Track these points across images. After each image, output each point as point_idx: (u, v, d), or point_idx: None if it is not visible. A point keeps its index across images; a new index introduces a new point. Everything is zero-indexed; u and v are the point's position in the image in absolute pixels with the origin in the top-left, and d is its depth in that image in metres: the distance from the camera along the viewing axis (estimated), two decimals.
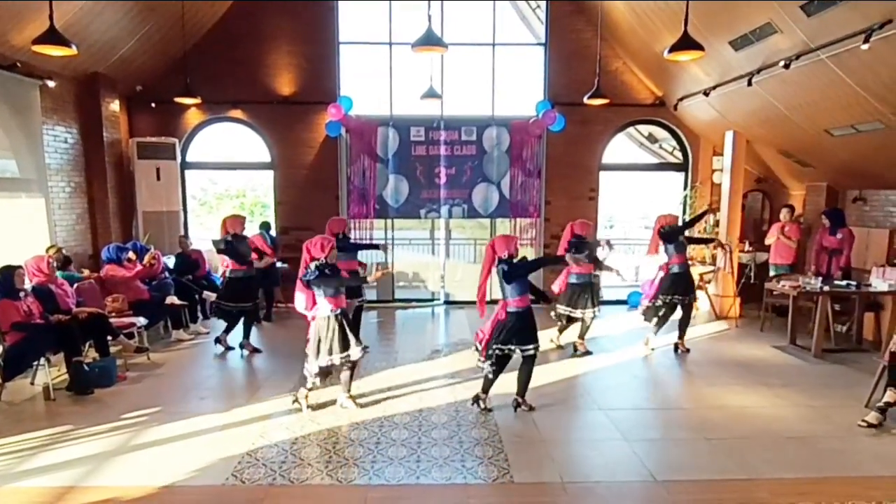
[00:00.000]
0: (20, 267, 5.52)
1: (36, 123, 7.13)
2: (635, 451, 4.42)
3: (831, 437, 4.61)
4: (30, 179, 7.09)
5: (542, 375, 6.06)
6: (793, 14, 5.55)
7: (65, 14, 6.18)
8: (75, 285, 6.40)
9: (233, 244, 6.59)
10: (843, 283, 6.97)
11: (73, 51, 5.37)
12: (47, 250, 6.87)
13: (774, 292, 7.64)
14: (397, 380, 5.94)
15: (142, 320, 6.56)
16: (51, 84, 7.19)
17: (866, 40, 4.94)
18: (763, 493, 3.75)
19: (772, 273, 8.19)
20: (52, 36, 5.14)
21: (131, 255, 7.31)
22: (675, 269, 6.75)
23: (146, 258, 7.26)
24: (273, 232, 8.93)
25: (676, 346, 6.94)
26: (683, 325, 6.92)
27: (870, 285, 6.86)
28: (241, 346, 6.85)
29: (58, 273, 6.37)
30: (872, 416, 4.73)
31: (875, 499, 3.67)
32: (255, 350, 6.88)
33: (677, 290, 6.73)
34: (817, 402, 5.32)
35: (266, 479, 3.93)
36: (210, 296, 8.17)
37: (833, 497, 3.69)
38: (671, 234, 6.72)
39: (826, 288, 6.78)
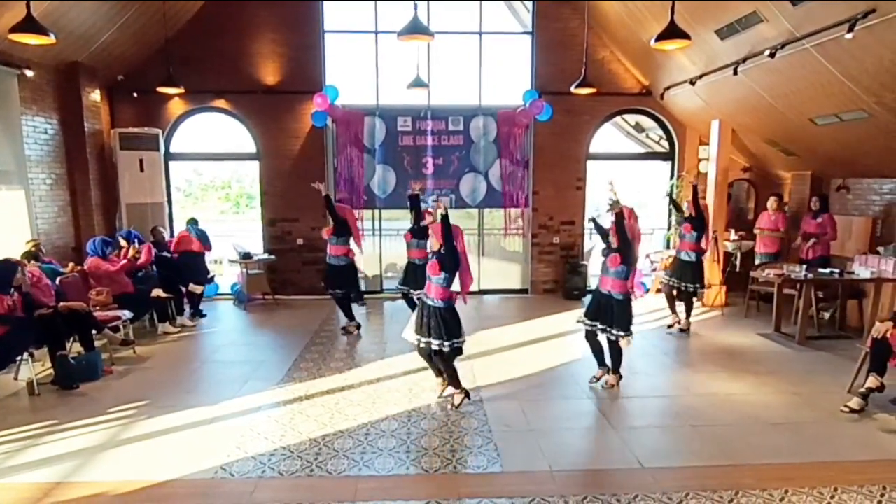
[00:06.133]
0: (23, 263, 5.45)
1: (14, 114, 6.99)
2: (623, 438, 4.46)
3: (815, 422, 4.68)
4: (9, 171, 6.96)
5: (530, 364, 6.11)
6: (778, 3, 5.56)
7: (42, 2, 6.04)
8: (58, 279, 6.31)
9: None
10: (827, 270, 7.06)
11: (51, 39, 5.27)
12: (28, 244, 6.79)
13: (759, 280, 7.73)
14: (387, 370, 5.94)
15: (127, 314, 6.49)
16: (29, 74, 7.04)
17: (850, 30, 4.97)
18: (748, 479, 3.80)
19: (757, 261, 8.29)
20: (29, 24, 5.04)
21: (123, 242, 7.25)
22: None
23: (130, 252, 7.17)
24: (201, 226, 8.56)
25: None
26: None
27: (852, 273, 6.96)
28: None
29: (39, 266, 6.29)
30: (855, 402, 4.81)
31: (858, 483, 3.74)
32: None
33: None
34: (801, 389, 5.40)
35: (255, 471, 3.92)
36: (196, 288, 8.10)
37: (817, 482, 3.75)
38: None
39: (810, 276, 6.87)
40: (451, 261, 4.74)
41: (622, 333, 5.17)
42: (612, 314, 5.20)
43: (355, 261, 7.34)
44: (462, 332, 4.90)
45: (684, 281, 7.10)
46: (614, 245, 5.18)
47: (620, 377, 5.45)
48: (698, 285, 7.11)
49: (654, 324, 7.70)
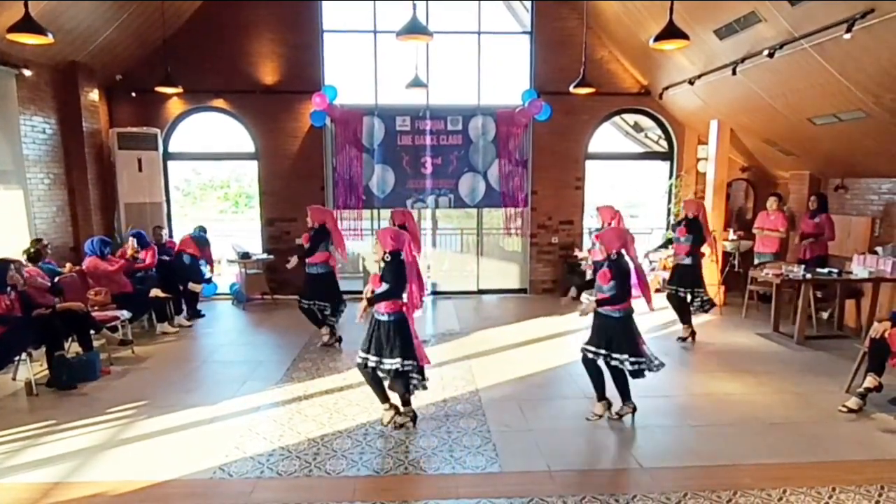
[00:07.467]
0: (16, 262, 5.43)
1: (12, 113, 6.97)
2: (621, 438, 4.47)
3: (814, 422, 4.69)
4: (7, 171, 6.95)
5: (528, 364, 6.11)
6: (777, 3, 5.56)
7: (41, 1, 6.03)
8: (56, 279, 6.30)
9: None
10: (825, 270, 7.07)
11: (49, 39, 5.26)
12: (32, 243, 6.78)
13: (758, 280, 7.74)
14: None
15: (125, 313, 6.48)
16: (27, 73, 7.03)
17: (849, 30, 4.97)
18: (747, 478, 3.81)
19: (756, 261, 8.29)
20: (27, 24, 5.03)
21: (133, 242, 7.33)
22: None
23: (129, 252, 7.18)
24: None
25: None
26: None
27: (850, 272, 6.97)
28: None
29: (40, 265, 6.29)
30: (853, 402, 4.82)
31: (856, 483, 3.74)
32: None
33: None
34: (800, 389, 5.40)
35: (254, 472, 3.91)
36: (195, 287, 8.08)
37: (815, 482, 3.76)
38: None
39: (808, 276, 6.88)
40: (393, 272, 4.28)
41: (629, 358, 4.49)
42: (614, 337, 4.55)
43: (336, 269, 6.67)
44: (412, 354, 4.37)
45: (683, 287, 6.80)
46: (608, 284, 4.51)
47: (635, 408, 4.72)
48: (691, 290, 6.76)
49: (652, 324, 7.68)
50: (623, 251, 4.55)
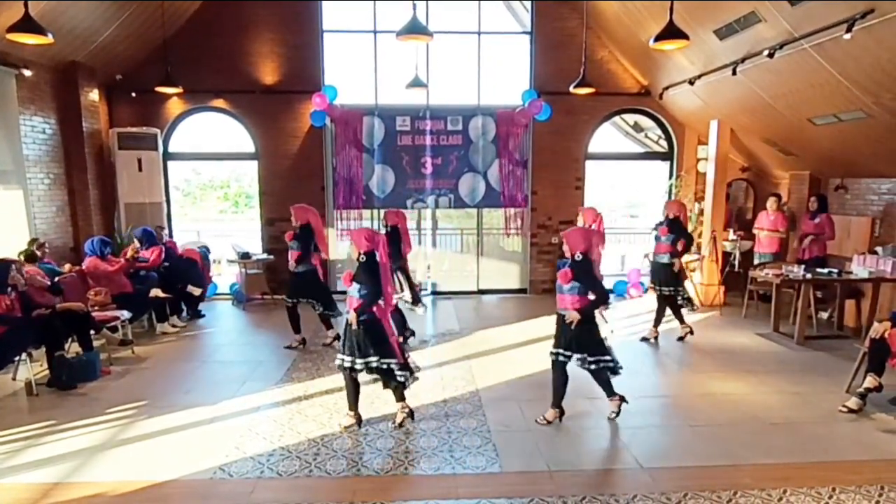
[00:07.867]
0: (16, 262, 5.42)
1: (12, 113, 6.97)
2: (621, 438, 4.47)
3: (813, 422, 4.69)
4: (7, 171, 6.95)
5: (528, 364, 6.11)
6: (777, 3, 5.56)
7: (40, 1, 6.03)
8: (56, 279, 6.30)
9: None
10: (825, 270, 7.08)
11: (48, 39, 5.27)
12: (30, 244, 6.78)
13: (758, 280, 7.74)
14: None
15: (125, 314, 6.48)
16: (27, 73, 7.03)
17: (849, 30, 4.97)
18: (746, 478, 3.81)
19: (756, 261, 8.29)
20: (27, 24, 5.03)
21: (136, 243, 7.43)
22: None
23: (129, 252, 7.19)
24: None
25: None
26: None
27: (851, 272, 6.97)
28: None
29: (37, 266, 6.29)
30: (853, 402, 4.82)
31: (856, 483, 3.74)
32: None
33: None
34: (800, 389, 5.40)
35: (254, 472, 3.91)
36: (195, 291, 8.08)
37: (815, 482, 3.76)
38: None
39: (808, 276, 6.88)
40: (367, 273, 4.35)
41: (604, 360, 4.53)
42: (578, 338, 4.51)
43: (318, 269, 6.63)
44: (389, 352, 4.44)
45: (661, 285, 6.85)
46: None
47: (623, 400, 4.73)
48: (672, 289, 6.79)
49: (649, 324, 7.68)
50: (587, 253, 4.49)
